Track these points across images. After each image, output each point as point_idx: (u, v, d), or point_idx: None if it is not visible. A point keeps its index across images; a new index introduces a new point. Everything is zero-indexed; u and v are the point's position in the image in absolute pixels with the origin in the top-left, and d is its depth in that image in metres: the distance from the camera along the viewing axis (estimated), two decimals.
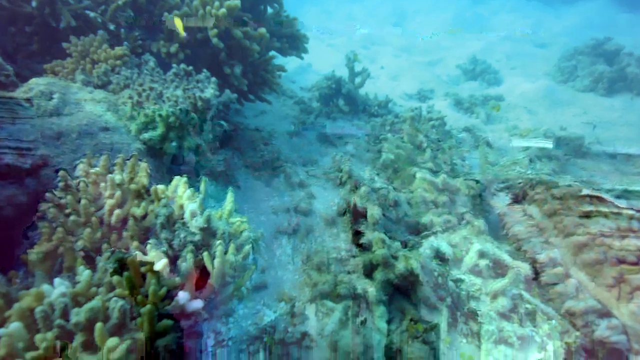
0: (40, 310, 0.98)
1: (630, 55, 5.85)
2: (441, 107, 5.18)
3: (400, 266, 2.04)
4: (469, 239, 2.51)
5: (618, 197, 3.66)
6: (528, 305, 2.00)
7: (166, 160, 2.14)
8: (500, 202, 3.07)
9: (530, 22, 9.50)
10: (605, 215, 2.27)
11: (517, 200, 2.93)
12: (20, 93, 1.89)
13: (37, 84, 1.97)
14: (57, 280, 1.05)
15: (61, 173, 1.39)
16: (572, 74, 6.25)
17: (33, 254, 1.24)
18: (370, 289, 1.97)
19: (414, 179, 3.05)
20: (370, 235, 2.21)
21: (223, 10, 2.64)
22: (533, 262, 2.28)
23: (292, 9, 4.09)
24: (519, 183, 2.93)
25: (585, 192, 2.46)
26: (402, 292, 2.20)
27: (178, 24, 2.27)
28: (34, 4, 2.45)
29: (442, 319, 1.96)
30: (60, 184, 1.39)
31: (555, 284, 2.16)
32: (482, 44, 8.08)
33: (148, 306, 1.02)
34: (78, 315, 0.97)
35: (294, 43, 3.69)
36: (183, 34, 2.46)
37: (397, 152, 3.16)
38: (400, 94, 5.70)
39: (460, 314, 2.08)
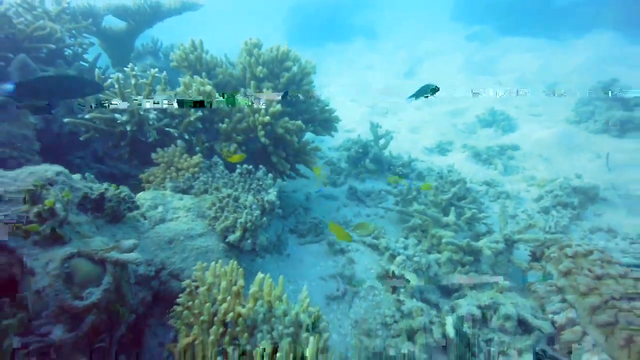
0: None
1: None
2: (461, 160, 5.63)
3: (437, 332, 2.45)
4: (495, 299, 2.88)
5: (633, 242, 3.96)
6: None
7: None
8: (521, 257, 3.45)
9: (541, 62, 9.97)
10: (614, 279, 2.61)
11: (536, 258, 3.29)
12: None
13: (145, 199, 2.59)
14: None
15: (187, 282, 1.94)
16: (590, 119, 6.57)
17: (179, 347, 1.76)
18: (415, 351, 2.38)
19: (441, 241, 3.47)
20: (410, 304, 2.64)
21: (267, 117, 3.27)
22: (553, 322, 2.63)
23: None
24: (537, 244, 3.29)
25: (596, 255, 2.81)
26: (440, 352, 2.59)
27: (235, 158, 2.91)
28: (128, 127, 3.13)
29: None
30: (187, 290, 1.93)
31: (574, 341, 2.49)
32: (499, 89, 8.55)
33: None
34: None
35: (326, 125, 4.30)
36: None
37: (424, 218, 3.61)
38: (420, 148, 6.20)
39: None
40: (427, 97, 2.69)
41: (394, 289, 2.91)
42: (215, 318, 1.83)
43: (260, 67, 3.59)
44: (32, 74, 3.19)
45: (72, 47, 4.08)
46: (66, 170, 2.12)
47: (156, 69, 3.27)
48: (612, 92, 6.33)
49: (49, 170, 2.02)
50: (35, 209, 1.68)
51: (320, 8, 17.95)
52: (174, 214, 2.57)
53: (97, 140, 3.88)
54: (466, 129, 6.89)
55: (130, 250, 1.84)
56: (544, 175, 5.03)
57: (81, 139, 3.14)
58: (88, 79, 2.44)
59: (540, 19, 13.20)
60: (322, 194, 4.97)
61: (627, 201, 4.62)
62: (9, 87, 2.04)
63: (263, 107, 3.20)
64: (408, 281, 2.88)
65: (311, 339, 1.67)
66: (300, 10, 17.67)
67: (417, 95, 2.67)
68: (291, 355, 1.67)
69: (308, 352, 1.67)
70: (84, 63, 4.42)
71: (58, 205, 1.70)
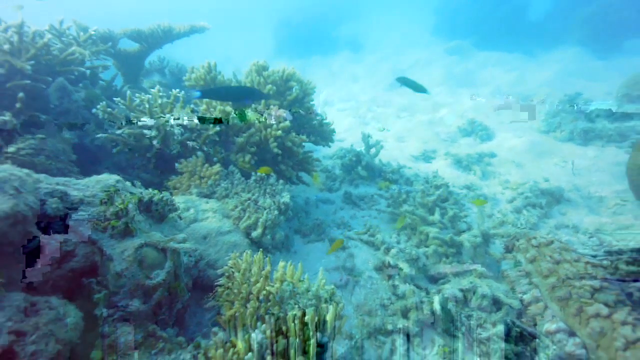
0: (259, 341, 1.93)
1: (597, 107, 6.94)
2: (444, 166, 6.22)
3: (426, 309, 2.95)
4: (474, 283, 3.42)
5: (591, 236, 4.58)
6: (517, 329, 2.88)
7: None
8: (496, 250, 4.01)
9: (515, 75, 10.80)
10: (569, 262, 3.17)
11: (508, 250, 3.85)
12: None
13: (179, 202, 3.03)
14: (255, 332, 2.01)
15: (225, 268, 2.39)
16: (558, 129, 7.30)
17: (224, 317, 2.21)
18: (409, 325, 2.88)
19: (428, 236, 4.00)
20: (403, 287, 3.14)
21: (280, 131, 3.76)
22: (521, 300, 3.18)
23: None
24: (509, 237, 3.86)
25: (555, 244, 3.38)
26: (429, 327, 3.09)
27: (263, 170, 3.36)
28: (155, 141, 3.57)
29: (459, 344, 2.84)
30: (226, 275, 2.39)
31: (538, 314, 3.03)
32: (475, 100, 9.29)
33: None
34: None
35: (324, 136, 4.82)
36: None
37: (413, 217, 4.15)
38: (407, 155, 6.78)
39: (473, 339, 2.95)
40: (422, 91, 3.26)
41: (390, 277, 3.42)
42: (251, 295, 2.30)
43: (269, 85, 4.09)
44: (68, 94, 3.61)
45: (92, 68, 4.50)
46: (121, 179, 2.56)
47: (177, 90, 3.74)
48: (576, 105, 7.07)
49: (110, 179, 2.46)
50: (111, 209, 2.12)
51: (308, 21, 18.65)
52: (204, 215, 3.02)
53: (120, 153, 4.30)
54: (448, 137, 7.52)
55: (183, 242, 2.30)
56: (516, 179, 5.65)
57: (114, 151, 3.56)
58: (254, 88, 2.99)
59: (514, 35, 14.18)
60: (319, 198, 5.46)
61: (588, 201, 5.27)
62: (196, 93, 2.57)
63: (274, 122, 3.70)
64: (401, 269, 3.39)
65: (330, 307, 2.15)
66: (288, 23, 18.31)
67: (410, 85, 3.24)
68: (316, 318, 2.14)
69: (328, 317, 2.14)
70: (102, 81, 4.83)
71: (130, 206, 2.14)
